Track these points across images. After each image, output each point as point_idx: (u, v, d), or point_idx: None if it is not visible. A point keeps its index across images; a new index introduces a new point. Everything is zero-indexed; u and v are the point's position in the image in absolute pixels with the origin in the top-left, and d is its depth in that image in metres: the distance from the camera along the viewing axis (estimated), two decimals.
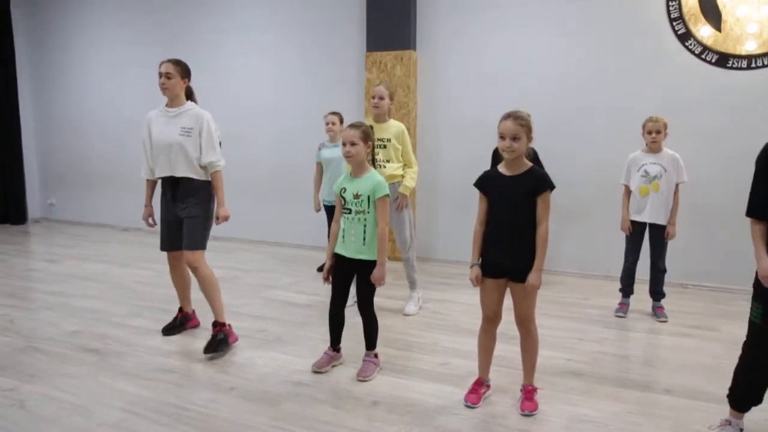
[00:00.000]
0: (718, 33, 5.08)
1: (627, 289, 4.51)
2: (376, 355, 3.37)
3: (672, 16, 5.20)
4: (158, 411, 2.85)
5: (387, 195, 3.15)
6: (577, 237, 5.68)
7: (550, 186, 2.74)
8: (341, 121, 5.31)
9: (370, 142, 3.19)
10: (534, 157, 4.95)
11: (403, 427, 2.71)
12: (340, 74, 6.67)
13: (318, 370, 3.33)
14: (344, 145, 3.15)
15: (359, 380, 3.22)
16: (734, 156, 5.06)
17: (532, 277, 2.72)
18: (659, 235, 4.31)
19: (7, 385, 3.13)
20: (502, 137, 2.73)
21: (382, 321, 4.23)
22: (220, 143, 3.68)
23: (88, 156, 8.64)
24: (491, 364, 3.02)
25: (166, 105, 3.67)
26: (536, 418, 2.81)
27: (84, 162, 8.71)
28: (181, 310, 4.01)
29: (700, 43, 5.13)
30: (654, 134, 4.21)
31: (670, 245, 4.97)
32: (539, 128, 5.59)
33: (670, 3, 5.19)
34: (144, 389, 3.09)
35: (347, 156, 3.15)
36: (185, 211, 3.61)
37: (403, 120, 6.16)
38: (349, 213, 3.18)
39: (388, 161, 4.30)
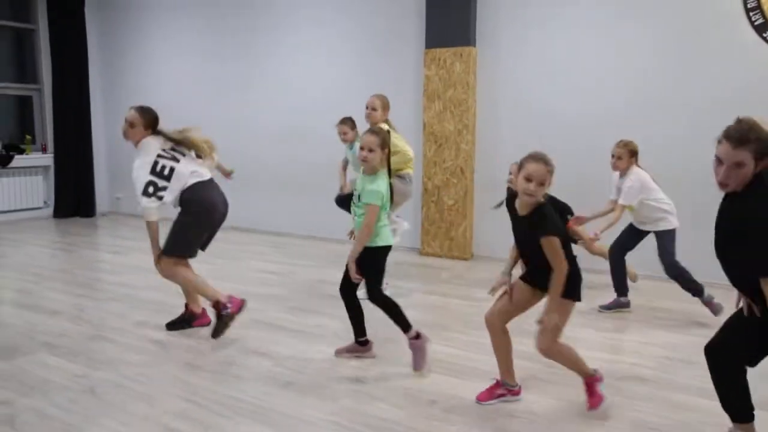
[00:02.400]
0: None
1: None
2: (417, 336, 3.26)
3: (748, 6, 4.93)
4: (219, 402, 2.90)
5: (375, 205, 3.17)
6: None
7: (550, 230, 2.59)
8: (353, 127, 5.39)
9: (386, 149, 3.27)
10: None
11: (462, 427, 2.67)
12: (399, 71, 6.64)
13: (338, 355, 3.48)
14: (362, 149, 3.22)
15: (418, 374, 3.20)
16: None
17: (545, 318, 2.65)
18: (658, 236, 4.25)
19: (78, 371, 3.26)
20: (528, 179, 2.57)
21: (442, 319, 4.21)
22: (151, 186, 3.68)
23: None
24: (512, 365, 2.94)
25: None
26: (601, 423, 2.72)
27: None
28: (186, 306, 4.04)
29: None
30: (615, 159, 4.26)
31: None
32: (604, 124, 5.46)
33: None
34: (206, 380, 3.16)
35: (363, 160, 3.22)
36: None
37: (462, 117, 6.10)
38: (356, 215, 3.31)
39: None
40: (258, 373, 3.27)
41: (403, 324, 3.30)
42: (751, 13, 4.94)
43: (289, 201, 7.61)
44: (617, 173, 4.35)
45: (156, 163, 3.64)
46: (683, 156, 5.12)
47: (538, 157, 2.62)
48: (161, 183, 3.63)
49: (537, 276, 2.75)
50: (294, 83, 7.47)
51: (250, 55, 7.78)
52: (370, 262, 3.27)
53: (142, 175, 3.62)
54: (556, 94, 5.79)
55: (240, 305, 3.70)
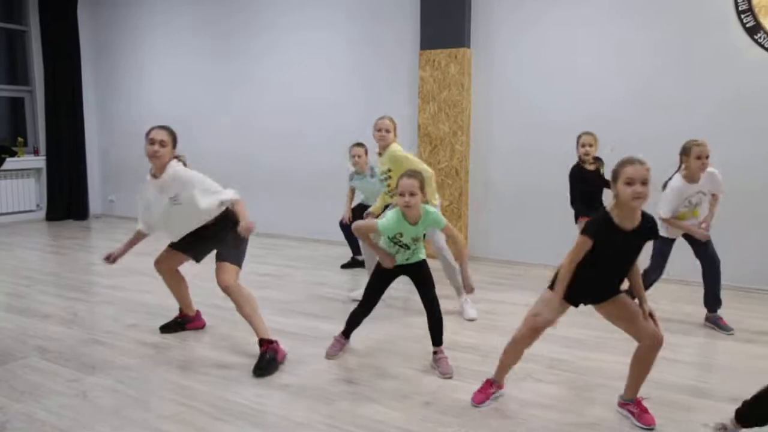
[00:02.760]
0: None
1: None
2: (443, 350, 3.40)
3: (740, 9, 4.96)
4: (213, 405, 2.89)
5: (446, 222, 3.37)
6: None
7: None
8: (366, 152, 5.47)
9: (424, 188, 3.22)
10: (601, 162, 4.80)
11: (458, 428, 2.67)
12: (394, 73, 6.65)
13: (331, 357, 3.48)
14: (402, 195, 3.11)
15: (446, 378, 3.22)
16: None
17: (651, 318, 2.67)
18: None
19: (71, 376, 3.24)
20: (629, 183, 2.45)
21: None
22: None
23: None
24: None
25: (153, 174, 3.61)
26: (595, 425, 2.72)
27: (141, 160, 8.91)
28: (180, 309, 3.99)
29: None
30: (705, 159, 3.88)
31: (734, 249, 4.76)
32: (599, 125, 5.47)
33: None
34: (200, 383, 3.14)
35: (406, 206, 3.14)
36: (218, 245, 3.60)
37: (457, 119, 6.10)
38: (407, 249, 3.32)
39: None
40: (252, 375, 3.25)
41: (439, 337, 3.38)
42: (742, 16, 4.96)
43: (284, 203, 7.59)
44: (679, 185, 3.98)
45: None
46: (677, 157, 5.13)
47: (634, 160, 2.52)
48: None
49: (597, 289, 2.70)
50: (289, 84, 7.46)
51: (245, 56, 7.76)
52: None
53: (200, 178, 3.54)
54: (550, 95, 5.80)
55: (284, 357, 3.45)
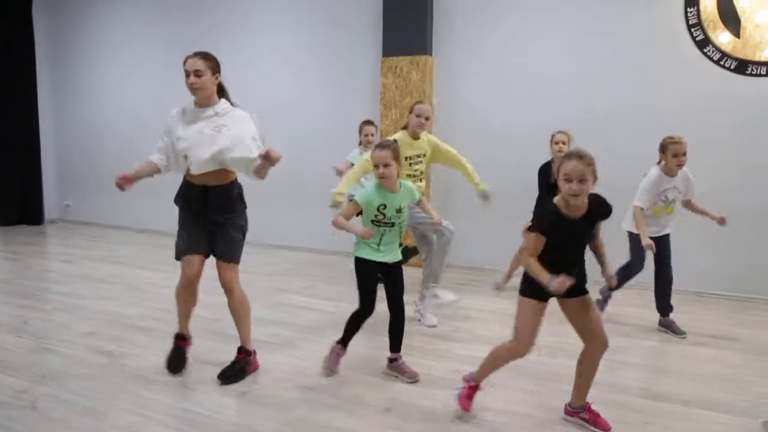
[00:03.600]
0: (737, 39, 5.01)
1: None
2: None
3: (690, 23, 5.14)
4: (169, 414, 2.84)
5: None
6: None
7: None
8: (377, 131, 5.50)
9: (399, 160, 3.21)
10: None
11: None
12: (356, 79, 6.67)
13: (332, 372, 3.36)
14: (376, 167, 3.12)
15: (413, 382, 3.23)
16: (753, 164, 4.99)
17: (611, 279, 2.77)
18: (667, 243, 4.18)
19: (19, 386, 3.14)
20: (567, 179, 2.48)
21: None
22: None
23: (104, 157, 8.71)
24: None
25: (196, 105, 3.21)
26: (552, 428, 2.77)
27: (100, 163, 8.78)
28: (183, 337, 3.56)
29: (718, 49, 5.07)
30: (681, 156, 4.00)
31: (685, 253, 4.89)
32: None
33: (689, 9, 5.14)
34: (156, 393, 3.09)
35: (382, 177, 3.15)
36: (227, 221, 3.31)
37: None
38: (392, 226, 3.25)
39: (423, 174, 4.40)
40: (211, 384, 3.21)
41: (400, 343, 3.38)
42: (692, 29, 5.14)
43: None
44: (656, 178, 4.07)
45: None
46: (626, 167, 5.28)
47: (573, 155, 2.53)
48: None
49: (580, 278, 2.69)
50: (251, 88, 7.39)
51: None
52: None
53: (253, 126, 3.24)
54: (507, 102, 5.91)
55: (255, 369, 3.39)
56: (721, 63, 5.07)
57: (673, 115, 5.26)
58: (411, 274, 5.79)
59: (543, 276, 2.51)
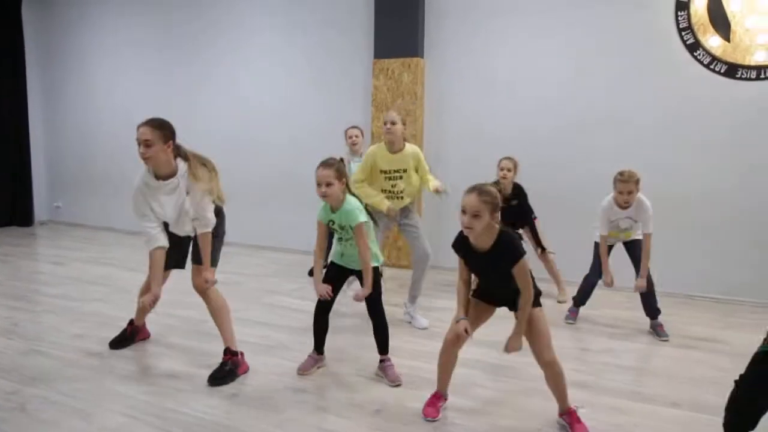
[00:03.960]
0: (727, 43, 5.05)
1: (582, 301, 4.52)
2: (389, 359, 3.40)
3: (680, 26, 5.17)
4: (159, 416, 2.83)
5: (361, 222, 3.18)
6: (584, 246, 5.65)
7: (521, 254, 2.57)
8: (362, 134, 5.50)
9: (344, 179, 3.20)
10: (519, 191, 4.96)
11: None
12: (348, 81, 6.67)
13: (303, 373, 3.37)
14: (319, 186, 3.13)
15: (395, 385, 3.24)
16: (743, 168, 5.02)
17: (511, 342, 2.67)
18: (638, 249, 4.17)
19: (8, 388, 3.12)
20: (462, 211, 2.51)
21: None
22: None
23: (95, 159, 8.67)
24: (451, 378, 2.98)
25: (156, 177, 3.19)
26: (538, 429, 2.78)
27: (91, 165, 8.74)
28: (131, 322, 3.84)
29: (708, 53, 5.10)
30: (626, 195, 4.00)
31: (677, 256, 4.92)
32: (545, 137, 5.63)
33: (679, 13, 5.17)
34: (146, 394, 3.08)
35: (323, 197, 3.17)
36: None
37: (410, 127, 6.16)
38: (347, 240, 3.29)
39: (402, 191, 4.24)
40: (201, 385, 3.20)
41: (387, 346, 3.38)
42: (683, 33, 5.18)
43: (235, 211, 7.47)
44: (608, 206, 4.15)
45: None
46: (617, 170, 5.31)
47: (472, 188, 2.53)
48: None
49: (496, 295, 2.77)
50: (243, 91, 7.40)
51: (200, 62, 7.66)
52: (379, 280, 3.35)
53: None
54: (498, 105, 5.93)
55: (245, 371, 3.39)
56: (711, 67, 5.11)
57: (663, 119, 5.29)
58: (401, 276, 5.80)
59: (457, 308, 2.73)
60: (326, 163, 3.15)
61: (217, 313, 3.40)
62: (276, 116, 7.21)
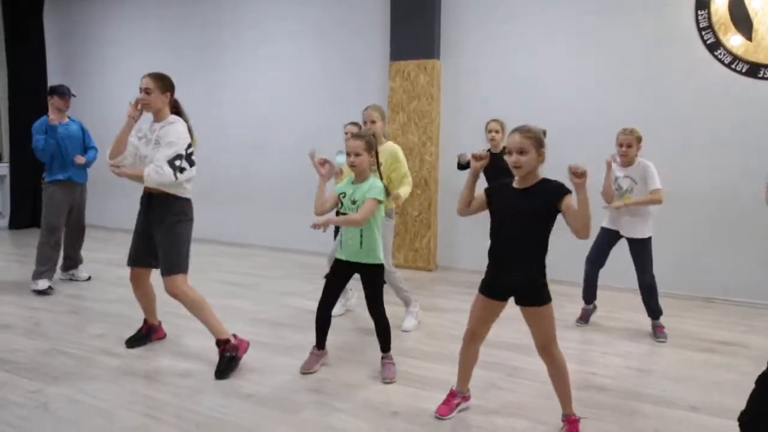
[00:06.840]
0: (748, 42, 4.99)
1: (588, 297, 4.48)
2: (391, 357, 3.42)
3: (701, 26, 5.12)
4: (178, 416, 2.86)
5: (378, 199, 3.21)
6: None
7: (569, 189, 2.62)
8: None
9: (373, 151, 3.29)
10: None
11: None
12: (363, 83, 6.69)
13: (307, 371, 3.40)
14: (348, 155, 3.25)
15: (386, 382, 3.26)
16: (764, 168, 4.95)
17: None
18: (639, 249, 4.15)
19: (31, 387, 3.17)
20: (509, 152, 2.61)
21: (400, 331, 4.21)
22: (185, 156, 3.40)
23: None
24: (471, 377, 2.96)
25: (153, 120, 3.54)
26: None
27: (109, 168, 8.82)
28: (145, 321, 3.89)
29: (729, 52, 5.04)
30: (624, 147, 4.04)
31: (696, 259, 4.85)
32: (564, 138, 5.58)
33: (699, 12, 5.12)
34: (165, 394, 3.11)
35: (351, 166, 3.27)
36: (159, 234, 3.47)
37: (426, 129, 6.16)
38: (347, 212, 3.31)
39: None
40: (218, 385, 3.23)
41: (389, 344, 3.41)
42: (703, 32, 5.12)
43: (253, 212, 7.56)
44: (614, 165, 4.17)
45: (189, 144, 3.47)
46: None
47: (515, 130, 2.65)
48: (187, 165, 3.42)
49: (506, 267, 2.71)
50: (259, 95, 7.45)
51: (216, 68, 7.72)
52: (381, 278, 3.35)
53: (182, 141, 3.40)
54: (516, 107, 5.88)
55: (246, 348, 3.51)
56: (733, 66, 5.05)
57: (684, 119, 5.24)
58: (418, 277, 5.80)
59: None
60: (358, 135, 3.29)
61: (196, 308, 3.47)
62: (293, 119, 7.24)
